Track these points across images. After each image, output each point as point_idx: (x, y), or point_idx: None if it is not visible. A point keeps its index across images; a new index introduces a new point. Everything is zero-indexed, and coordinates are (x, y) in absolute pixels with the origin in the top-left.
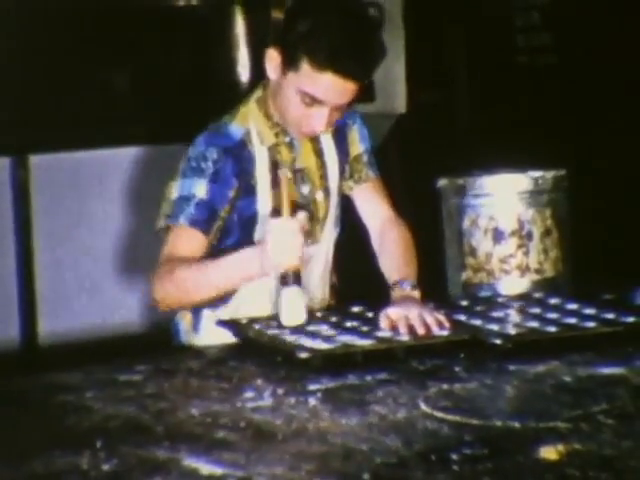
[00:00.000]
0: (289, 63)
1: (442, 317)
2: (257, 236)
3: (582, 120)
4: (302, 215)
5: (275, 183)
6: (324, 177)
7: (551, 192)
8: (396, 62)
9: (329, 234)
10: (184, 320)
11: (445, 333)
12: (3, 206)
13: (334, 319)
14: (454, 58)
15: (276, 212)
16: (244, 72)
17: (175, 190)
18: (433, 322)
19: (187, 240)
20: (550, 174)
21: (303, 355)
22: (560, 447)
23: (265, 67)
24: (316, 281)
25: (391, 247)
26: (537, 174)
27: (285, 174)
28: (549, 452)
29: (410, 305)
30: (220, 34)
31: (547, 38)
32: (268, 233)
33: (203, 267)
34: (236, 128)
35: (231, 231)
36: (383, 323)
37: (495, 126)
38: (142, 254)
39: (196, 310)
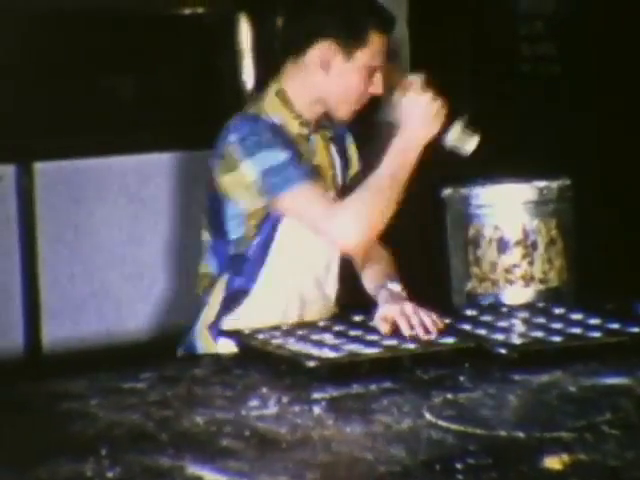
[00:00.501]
0: (355, 43)
1: (435, 316)
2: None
3: (587, 129)
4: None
5: None
6: (334, 176)
7: (556, 202)
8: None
9: None
10: (201, 338)
11: (450, 340)
12: (8, 213)
13: (338, 328)
14: (458, 66)
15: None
16: (249, 80)
17: (255, 168)
18: (429, 321)
19: (318, 192)
20: (555, 184)
21: (311, 363)
22: (564, 457)
23: (319, 63)
24: (333, 281)
25: (375, 263)
26: (542, 184)
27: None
28: (553, 462)
29: (402, 302)
30: (225, 42)
31: (551, 47)
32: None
33: (376, 177)
34: (265, 117)
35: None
36: (383, 328)
37: (499, 135)
38: (147, 261)
39: (212, 326)
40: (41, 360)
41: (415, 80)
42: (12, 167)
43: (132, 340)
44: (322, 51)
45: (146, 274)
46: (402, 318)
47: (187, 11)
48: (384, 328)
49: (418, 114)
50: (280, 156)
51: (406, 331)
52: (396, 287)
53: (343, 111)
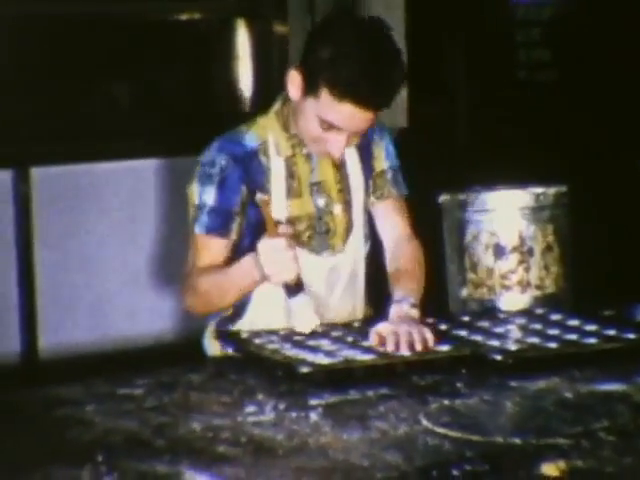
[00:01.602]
0: (309, 89)
1: (430, 335)
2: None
3: (583, 135)
4: (284, 228)
5: (290, 193)
6: (344, 190)
7: (552, 208)
8: None
9: (354, 248)
10: (211, 344)
11: (446, 347)
12: (5, 219)
13: (335, 334)
14: (455, 73)
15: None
16: (246, 86)
17: (194, 196)
18: (419, 340)
19: (206, 248)
20: (551, 190)
21: (305, 369)
22: (561, 463)
23: (287, 86)
24: (339, 293)
25: (401, 265)
26: (538, 190)
27: (263, 197)
28: (550, 468)
29: (402, 323)
30: (223, 48)
31: (547, 54)
32: (259, 255)
33: (217, 277)
34: (252, 137)
35: (245, 233)
36: (372, 339)
37: (496, 141)
38: (144, 267)
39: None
40: (37, 366)
41: (285, 231)
42: (9, 172)
43: (128, 346)
44: (293, 76)
45: (143, 280)
46: (391, 335)
47: (185, 17)
48: (374, 340)
49: (273, 257)
50: (209, 199)
51: (390, 346)
52: (406, 306)
53: (307, 144)
